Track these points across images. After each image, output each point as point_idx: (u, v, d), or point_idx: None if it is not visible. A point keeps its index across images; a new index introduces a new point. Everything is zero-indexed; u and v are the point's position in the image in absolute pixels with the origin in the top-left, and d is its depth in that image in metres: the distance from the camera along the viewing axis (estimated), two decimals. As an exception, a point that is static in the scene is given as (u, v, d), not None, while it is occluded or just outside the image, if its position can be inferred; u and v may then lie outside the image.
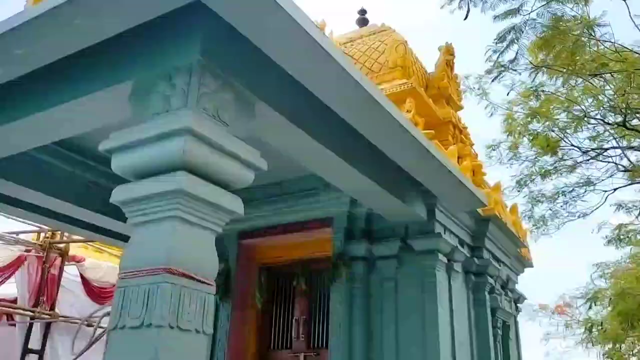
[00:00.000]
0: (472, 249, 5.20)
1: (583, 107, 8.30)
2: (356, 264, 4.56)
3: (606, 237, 13.55)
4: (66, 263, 7.55)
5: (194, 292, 2.26)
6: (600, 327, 11.77)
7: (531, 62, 7.63)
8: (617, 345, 18.00)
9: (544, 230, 14.85)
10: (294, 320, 5.05)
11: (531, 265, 7.12)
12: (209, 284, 2.32)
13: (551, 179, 9.78)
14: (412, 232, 4.53)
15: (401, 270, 4.49)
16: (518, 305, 6.57)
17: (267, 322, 5.22)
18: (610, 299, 11.22)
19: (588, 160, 9.25)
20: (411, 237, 4.48)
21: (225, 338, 4.88)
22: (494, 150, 9.59)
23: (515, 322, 6.51)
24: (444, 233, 4.59)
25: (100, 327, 6.10)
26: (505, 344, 5.33)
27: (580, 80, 7.89)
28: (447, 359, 4.24)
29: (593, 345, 18.11)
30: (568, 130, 8.75)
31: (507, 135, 9.21)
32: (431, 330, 4.19)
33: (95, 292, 7.10)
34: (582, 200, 10.13)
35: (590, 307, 11.83)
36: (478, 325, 4.91)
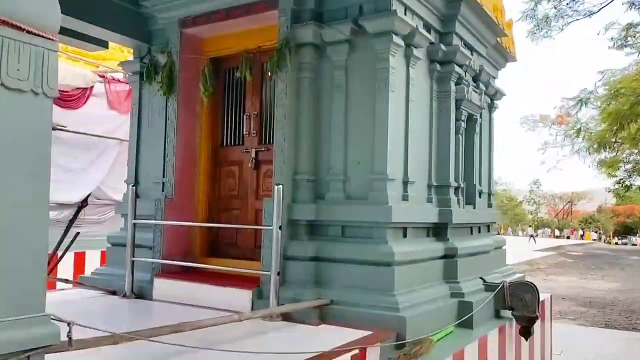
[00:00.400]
0: (441, 35, 4.68)
1: None
2: (304, 51, 4.10)
3: (612, 38, 12.70)
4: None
5: (25, 46, 1.86)
6: (587, 129, 11.73)
7: None
8: (605, 149, 18.42)
9: (546, 32, 13.98)
10: (244, 116, 4.78)
11: (514, 60, 6.62)
12: (49, 39, 1.91)
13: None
14: (367, 12, 3.99)
15: (353, 57, 4.04)
16: (495, 101, 6.23)
17: (219, 118, 4.96)
18: (603, 99, 10.95)
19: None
20: (364, 17, 3.95)
21: (174, 134, 4.67)
22: None
23: (490, 119, 6.24)
24: (404, 13, 4.03)
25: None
26: (470, 137, 5.10)
27: None
28: (398, 151, 4.02)
29: (589, 153, 18.56)
30: None
31: None
32: (381, 121, 3.90)
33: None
34: (590, -4, 9.21)
35: (580, 109, 11.64)
36: (440, 117, 4.62)
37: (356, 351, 2.97)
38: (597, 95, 11.74)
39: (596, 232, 72.93)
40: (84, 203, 6.94)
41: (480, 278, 4.86)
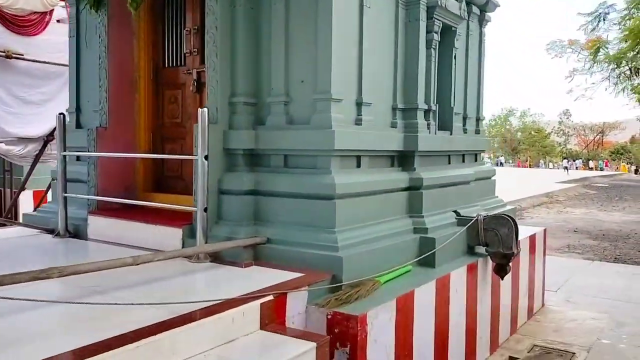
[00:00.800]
0: None
1: None
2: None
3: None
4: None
5: None
6: (606, 47, 10.71)
7: None
8: (638, 75, 17.19)
9: None
10: (185, 32, 4.21)
11: None
12: None
13: None
14: None
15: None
16: (486, 13, 5.48)
17: (159, 35, 4.40)
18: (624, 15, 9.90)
19: None
20: None
21: (106, 55, 4.15)
22: None
23: (481, 34, 5.52)
24: None
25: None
26: (446, 52, 4.45)
27: None
28: (347, 67, 3.43)
29: (620, 80, 17.35)
30: None
31: None
32: (323, 30, 3.29)
33: (9, 20, 6.30)
34: None
35: (597, 25, 10.58)
36: (407, 28, 3.96)
37: (269, 297, 2.55)
38: (617, 10, 10.65)
39: (630, 163, 70.62)
40: (50, 137, 6.57)
41: (454, 211, 4.36)
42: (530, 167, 72.31)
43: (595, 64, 16.29)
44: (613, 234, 11.49)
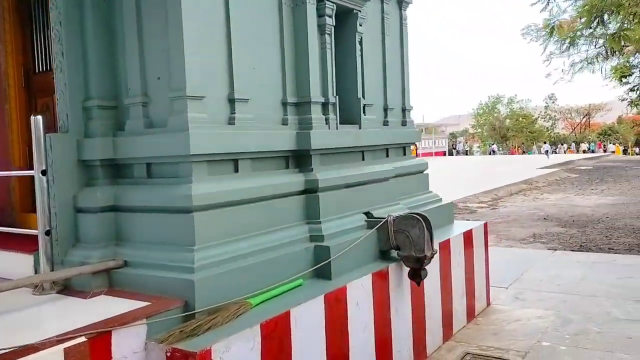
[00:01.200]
0: None
1: None
2: None
3: None
4: None
5: None
6: (556, 23, 10.35)
7: None
8: (613, 55, 16.88)
9: None
10: (52, 33, 3.77)
11: None
12: None
13: None
14: None
15: None
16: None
17: (28, 38, 3.97)
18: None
19: None
20: None
21: (-37, 62, 3.72)
22: None
23: (401, 17, 5.12)
24: None
25: None
26: (347, 38, 4.04)
27: None
28: (210, 58, 3.01)
29: (597, 61, 17.01)
30: None
31: None
32: (174, 15, 2.87)
33: None
34: None
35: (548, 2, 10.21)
36: (294, 12, 3.55)
37: (80, 339, 2.13)
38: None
39: (614, 143, 70.50)
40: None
41: (366, 213, 3.96)
42: (523, 153, 72.22)
43: (571, 47, 15.95)
44: (584, 219, 11.14)
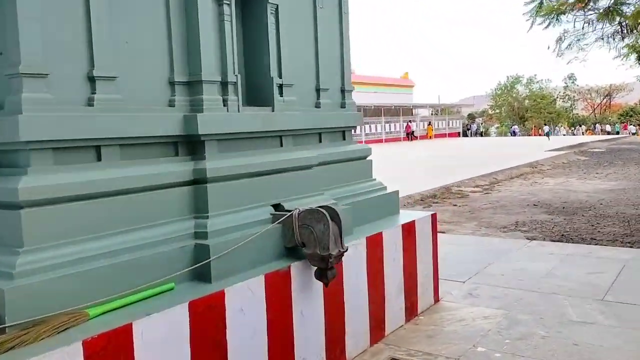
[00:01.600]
0: None
1: None
2: None
3: None
4: None
5: None
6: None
7: None
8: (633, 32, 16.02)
9: None
10: None
11: None
12: None
13: None
14: None
15: None
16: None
17: None
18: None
19: None
20: None
21: None
22: None
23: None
24: None
25: None
26: (256, 6, 3.63)
27: None
28: (57, 28, 2.60)
29: (614, 38, 16.18)
30: None
31: None
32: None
33: None
34: None
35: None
36: None
37: None
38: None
39: (635, 125, 68.33)
40: None
41: (276, 205, 3.57)
42: (543, 135, 70.62)
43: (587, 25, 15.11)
44: (576, 206, 10.59)
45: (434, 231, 4.89)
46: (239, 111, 3.42)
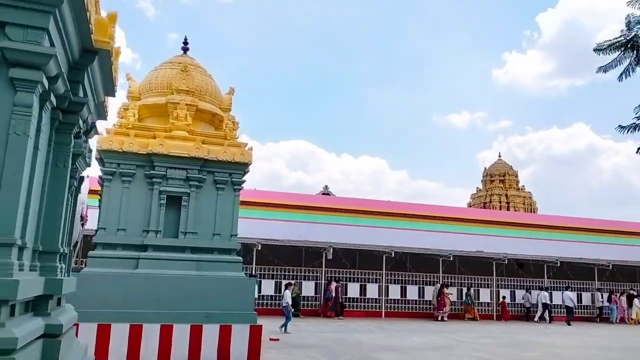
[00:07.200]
0: (69, 82, 4.16)
1: None
2: None
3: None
4: None
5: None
6: None
7: None
8: None
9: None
10: None
11: (105, 118, 5.81)
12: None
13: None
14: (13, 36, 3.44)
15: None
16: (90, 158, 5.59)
17: None
18: None
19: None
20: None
21: None
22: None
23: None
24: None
25: None
26: (76, 195, 4.68)
27: None
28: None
29: None
30: None
31: None
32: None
33: None
34: None
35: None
36: (55, 173, 4.08)
37: None
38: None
39: None
40: None
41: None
42: None
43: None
44: None
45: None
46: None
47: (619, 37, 11.26)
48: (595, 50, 11.38)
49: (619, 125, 11.31)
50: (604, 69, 11.47)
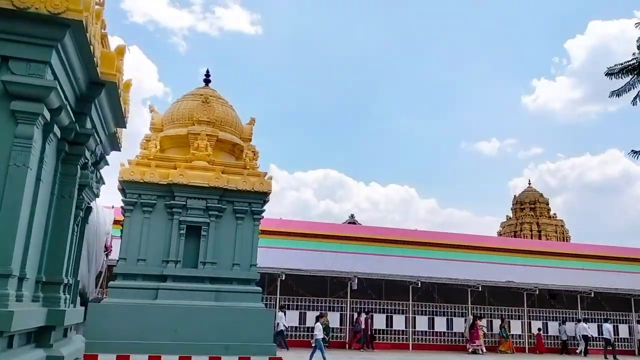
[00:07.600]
0: (75, 113, 4.23)
1: None
2: None
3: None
4: None
5: None
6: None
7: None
8: None
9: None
10: None
11: (119, 149, 5.89)
12: None
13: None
14: (15, 70, 3.58)
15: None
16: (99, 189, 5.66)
17: None
18: None
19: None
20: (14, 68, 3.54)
21: None
22: None
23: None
24: (58, 84, 3.62)
25: None
26: (82, 226, 4.66)
27: None
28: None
29: None
30: None
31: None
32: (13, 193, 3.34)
33: None
34: None
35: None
36: (60, 203, 4.12)
37: None
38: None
39: None
40: None
41: None
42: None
43: None
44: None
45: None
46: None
47: (631, 60, 11.03)
48: (607, 74, 11.15)
49: (632, 150, 11.00)
50: (617, 93, 11.21)
